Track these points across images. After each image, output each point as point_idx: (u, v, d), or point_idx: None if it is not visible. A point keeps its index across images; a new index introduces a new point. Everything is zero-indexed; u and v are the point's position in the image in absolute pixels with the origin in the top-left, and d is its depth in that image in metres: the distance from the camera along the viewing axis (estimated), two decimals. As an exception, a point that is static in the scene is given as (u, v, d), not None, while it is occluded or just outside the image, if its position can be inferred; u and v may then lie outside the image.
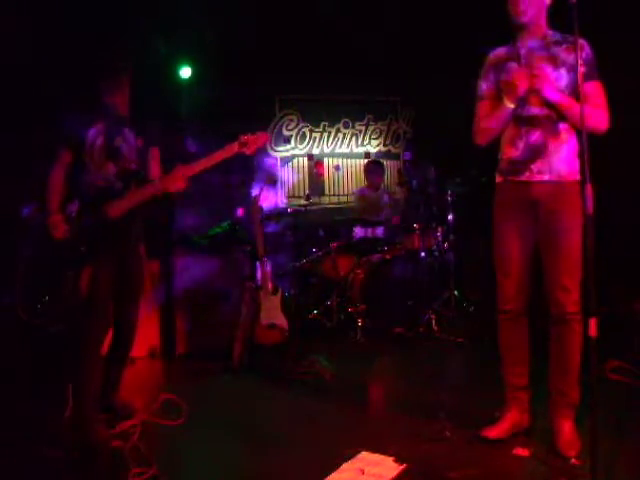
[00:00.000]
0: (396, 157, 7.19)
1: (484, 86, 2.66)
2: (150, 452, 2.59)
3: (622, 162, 4.11)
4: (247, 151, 2.91)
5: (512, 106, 2.49)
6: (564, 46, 2.48)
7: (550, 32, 2.54)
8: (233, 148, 2.90)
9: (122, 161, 2.98)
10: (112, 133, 2.99)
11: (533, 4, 2.46)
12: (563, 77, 2.47)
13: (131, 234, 3.02)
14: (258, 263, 4.18)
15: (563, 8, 2.16)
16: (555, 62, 2.48)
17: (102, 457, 2.58)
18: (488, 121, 2.62)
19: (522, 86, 2.43)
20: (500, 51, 2.64)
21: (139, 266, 3.12)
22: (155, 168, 3.14)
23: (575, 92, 2.42)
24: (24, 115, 4.20)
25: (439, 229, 5.26)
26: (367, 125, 7.06)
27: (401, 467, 2.36)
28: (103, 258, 2.86)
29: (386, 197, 5.87)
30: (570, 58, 2.45)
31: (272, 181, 4.70)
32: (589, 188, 2.07)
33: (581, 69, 2.19)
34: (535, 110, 2.50)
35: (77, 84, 3.56)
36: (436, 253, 5.25)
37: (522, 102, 2.50)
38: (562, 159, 2.49)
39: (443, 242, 5.31)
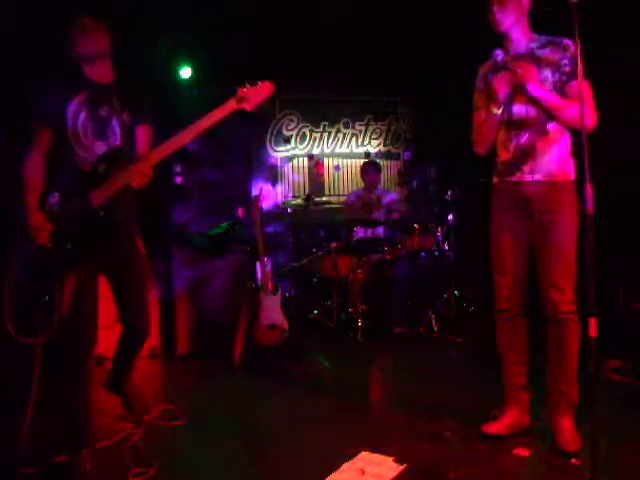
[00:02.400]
0: (396, 157, 7.20)
1: (477, 97, 2.73)
2: (150, 452, 2.59)
3: (620, 161, 4.11)
4: (247, 106, 2.43)
5: (497, 111, 2.54)
6: (548, 48, 2.51)
7: (535, 36, 2.57)
8: (230, 105, 2.42)
9: (112, 137, 2.52)
10: (97, 103, 2.51)
11: (509, 12, 2.49)
12: (548, 78, 2.50)
13: (119, 225, 2.55)
14: (258, 263, 4.18)
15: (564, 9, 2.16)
16: (539, 65, 2.50)
17: (102, 458, 2.58)
18: (481, 130, 2.68)
19: (502, 90, 2.50)
20: (488, 62, 2.69)
21: (137, 258, 2.67)
22: (142, 146, 2.60)
23: (562, 92, 2.47)
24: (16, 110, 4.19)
25: (439, 229, 5.26)
26: (367, 125, 7.06)
27: (401, 467, 2.36)
28: (90, 255, 2.46)
29: (388, 197, 5.84)
30: (555, 58, 2.48)
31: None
32: (589, 188, 2.07)
33: (566, 68, 2.21)
34: (523, 112, 2.53)
35: (53, 52, 2.88)
36: (436, 253, 5.25)
37: (507, 104, 2.54)
38: (553, 159, 2.52)
39: (443, 242, 5.31)
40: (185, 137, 2.41)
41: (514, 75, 2.46)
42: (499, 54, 2.57)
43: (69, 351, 2.47)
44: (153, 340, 4.40)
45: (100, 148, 2.49)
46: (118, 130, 2.53)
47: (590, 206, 2.05)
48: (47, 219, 2.41)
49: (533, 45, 2.54)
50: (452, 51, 5.47)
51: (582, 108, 2.11)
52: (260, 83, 2.45)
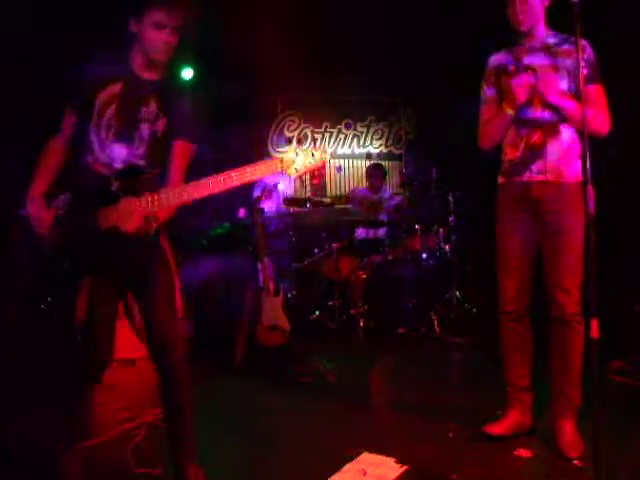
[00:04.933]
0: (398, 158, 7.20)
1: (487, 91, 2.68)
2: (152, 453, 2.59)
3: (626, 163, 4.10)
4: (292, 173, 2.04)
5: (511, 112, 2.51)
6: (565, 48, 2.48)
7: (551, 33, 2.54)
8: (274, 166, 2.02)
9: (137, 144, 2.15)
10: (131, 100, 2.14)
11: (530, 12, 2.47)
12: (564, 80, 2.48)
13: (135, 245, 2.08)
14: (260, 264, 4.18)
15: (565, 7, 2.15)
16: (555, 65, 2.48)
17: (105, 458, 2.58)
18: (490, 126, 2.64)
19: (521, 96, 2.46)
20: (501, 55, 2.65)
21: (160, 280, 2.19)
22: (176, 171, 2.15)
23: (576, 95, 2.43)
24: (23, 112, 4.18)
25: (441, 230, 5.26)
26: (369, 126, 7.06)
27: (403, 468, 2.36)
28: (97, 278, 2.12)
29: (387, 194, 5.87)
30: (570, 61, 2.46)
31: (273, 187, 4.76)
32: (590, 188, 2.07)
33: (584, 71, 2.18)
34: (536, 113, 2.50)
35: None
36: (438, 254, 5.25)
37: (523, 107, 2.51)
38: (563, 160, 2.49)
39: (445, 243, 5.30)
40: (220, 187, 1.97)
41: (531, 85, 2.43)
42: (520, 50, 2.54)
43: (79, 363, 2.21)
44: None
45: (119, 152, 2.14)
46: (147, 138, 2.16)
47: (592, 207, 2.05)
48: (49, 212, 2.09)
49: (550, 41, 2.51)
50: (454, 51, 5.47)
51: (583, 111, 2.10)
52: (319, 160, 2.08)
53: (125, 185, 2.05)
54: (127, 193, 2.03)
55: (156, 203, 2.00)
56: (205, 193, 1.98)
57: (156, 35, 2.09)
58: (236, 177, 1.98)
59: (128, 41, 2.15)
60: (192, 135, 2.19)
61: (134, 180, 2.07)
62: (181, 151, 2.17)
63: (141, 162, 2.15)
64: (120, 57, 2.17)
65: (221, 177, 1.97)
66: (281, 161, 2.01)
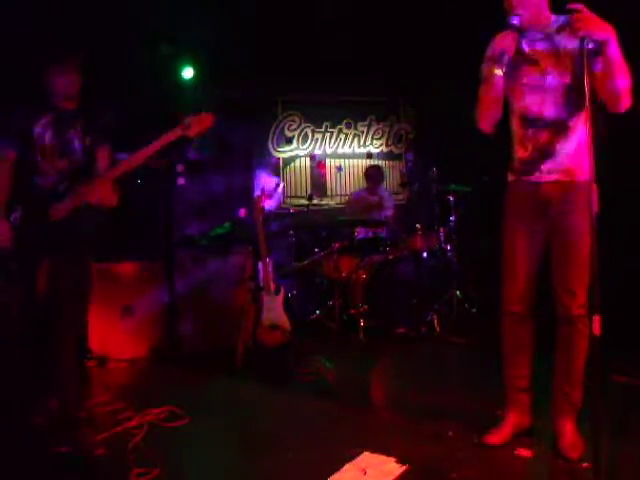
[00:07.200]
0: (398, 158, 7.20)
1: (484, 67, 2.55)
2: (152, 453, 2.59)
3: (632, 162, 4.06)
4: (190, 133, 2.78)
5: (498, 72, 2.43)
6: (565, 31, 2.38)
7: (553, 18, 2.44)
8: (176, 132, 2.77)
9: (74, 157, 2.79)
10: (62, 125, 2.78)
11: (528, 3, 2.39)
12: (568, 68, 2.39)
13: (75, 239, 2.78)
14: (260, 263, 4.17)
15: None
16: (557, 53, 2.41)
17: (104, 457, 2.58)
18: (483, 97, 2.54)
19: (501, 45, 2.38)
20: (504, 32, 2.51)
21: (78, 278, 2.81)
22: (103, 168, 2.86)
23: (580, 86, 2.29)
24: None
25: (441, 229, 5.25)
26: (369, 126, 7.07)
27: (403, 468, 2.36)
28: (55, 258, 2.73)
29: (386, 194, 5.88)
30: (572, 44, 2.35)
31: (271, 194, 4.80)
32: (594, 187, 2.06)
33: (589, 45, 2.11)
34: (542, 111, 2.45)
35: (25, 75, 3.17)
36: (438, 253, 5.24)
37: (521, 99, 2.46)
38: (573, 159, 2.43)
39: (445, 242, 5.30)
40: (139, 157, 2.72)
41: (577, 24, 2.23)
42: (515, 18, 2.39)
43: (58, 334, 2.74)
44: (155, 341, 4.41)
45: (62, 164, 2.77)
46: (79, 150, 2.81)
47: (595, 206, 2.04)
48: (10, 229, 2.68)
49: (550, 30, 2.42)
50: (454, 50, 5.46)
51: (589, 108, 2.08)
52: (203, 114, 2.76)
53: (71, 183, 2.74)
54: (73, 188, 2.72)
55: (100, 178, 2.73)
56: (136, 161, 2.72)
57: (61, 79, 2.75)
58: (145, 149, 2.71)
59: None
60: (108, 139, 2.89)
61: (77, 178, 2.75)
62: (103, 153, 2.87)
63: (79, 167, 2.80)
64: (45, 96, 2.77)
65: (142, 150, 2.71)
66: (181, 127, 2.74)
